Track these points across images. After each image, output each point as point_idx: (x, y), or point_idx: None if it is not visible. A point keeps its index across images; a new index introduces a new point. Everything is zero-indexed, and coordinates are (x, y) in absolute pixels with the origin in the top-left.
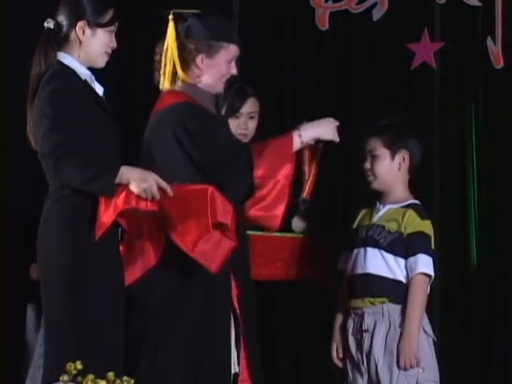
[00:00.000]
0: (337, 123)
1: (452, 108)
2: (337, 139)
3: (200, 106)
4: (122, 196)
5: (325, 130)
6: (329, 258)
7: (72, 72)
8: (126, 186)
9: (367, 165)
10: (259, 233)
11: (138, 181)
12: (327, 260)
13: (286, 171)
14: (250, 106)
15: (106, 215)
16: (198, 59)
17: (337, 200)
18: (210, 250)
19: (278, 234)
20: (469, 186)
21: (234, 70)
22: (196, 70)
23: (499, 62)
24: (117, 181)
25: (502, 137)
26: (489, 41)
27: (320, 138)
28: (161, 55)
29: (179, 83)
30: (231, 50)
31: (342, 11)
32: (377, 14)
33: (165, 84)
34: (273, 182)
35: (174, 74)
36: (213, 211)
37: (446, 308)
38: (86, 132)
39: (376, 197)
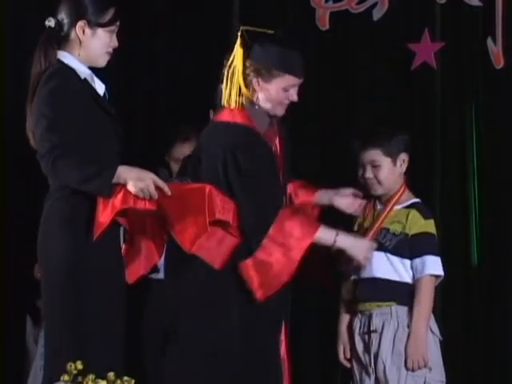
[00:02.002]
0: (373, 248)
1: (452, 108)
2: (363, 263)
3: (256, 132)
4: (120, 196)
5: (358, 250)
6: (329, 257)
7: (71, 71)
8: (123, 186)
9: (369, 174)
10: None
11: (135, 180)
12: (327, 260)
13: (302, 246)
14: None
15: (104, 215)
16: (255, 81)
17: None
18: (213, 247)
19: None
20: (469, 186)
21: (293, 97)
22: (254, 90)
23: (499, 62)
24: (114, 180)
25: (502, 137)
26: (489, 41)
27: (347, 252)
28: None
29: (243, 99)
30: (287, 80)
31: (342, 11)
32: (377, 14)
33: (226, 99)
34: (283, 250)
35: (237, 89)
36: (210, 209)
37: (447, 308)
38: (85, 132)
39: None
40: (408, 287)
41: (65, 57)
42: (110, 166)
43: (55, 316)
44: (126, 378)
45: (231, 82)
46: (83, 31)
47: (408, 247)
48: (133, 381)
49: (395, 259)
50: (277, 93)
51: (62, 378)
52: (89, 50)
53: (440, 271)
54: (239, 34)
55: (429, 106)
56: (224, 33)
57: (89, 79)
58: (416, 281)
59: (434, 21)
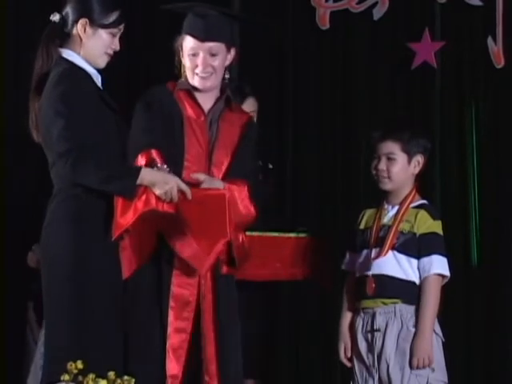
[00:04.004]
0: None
1: (453, 107)
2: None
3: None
4: (144, 198)
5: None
6: (328, 257)
7: (81, 71)
8: (146, 188)
9: (382, 166)
10: (257, 233)
11: (162, 183)
12: (327, 259)
13: None
14: (248, 106)
15: (125, 217)
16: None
17: (337, 200)
18: (200, 252)
19: (277, 234)
20: (469, 187)
21: (198, 65)
22: None
23: (500, 62)
24: (138, 182)
25: (502, 136)
26: (489, 40)
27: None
28: None
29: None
30: (187, 42)
31: (342, 10)
32: (377, 14)
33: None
34: None
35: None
36: (230, 217)
37: (447, 308)
38: (98, 131)
39: (378, 196)
40: (414, 286)
41: (71, 55)
42: (132, 167)
43: (57, 315)
44: (126, 377)
45: None
46: (84, 29)
47: (415, 247)
48: (133, 380)
49: (402, 257)
50: (187, 60)
51: (62, 377)
52: (88, 48)
53: (447, 271)
54: None
55: (429, 106)
56: None
57: (94, 78)
58: (423, 280)
59: (434, 20)
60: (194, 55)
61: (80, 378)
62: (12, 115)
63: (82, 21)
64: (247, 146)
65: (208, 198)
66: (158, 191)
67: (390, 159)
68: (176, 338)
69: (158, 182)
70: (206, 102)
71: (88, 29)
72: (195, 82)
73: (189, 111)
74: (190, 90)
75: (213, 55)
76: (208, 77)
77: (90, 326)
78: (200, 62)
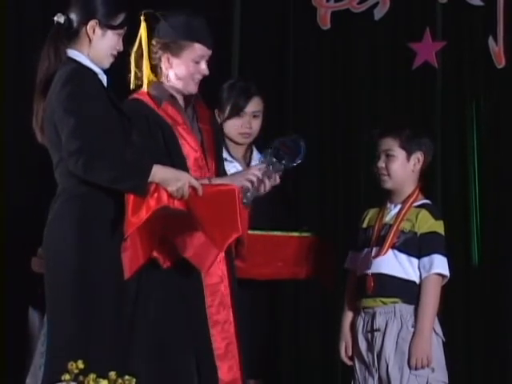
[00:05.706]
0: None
1: (453, 108)
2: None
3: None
4: (156, 195)
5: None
6: (330, 257)
7: (89, 70)
8: (157, 185)
9: (381, 164)
10: (259, 232)
11: (174, 180)
12: (329, 259)
13: None
14: (253, 105)
15: (137, 215)
16: (165, 58)
17: (339, 200)
18: (205, 251)
19: (279, 233)
20: (470, 187)
21: (204, 71)
22: (164, 69)
23: (501, 62)
24: (149, 180)
25: (503, 136)
26: (490, 40)
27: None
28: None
29: (147, 81)
30: (196, 50)
31: (343, 10)
32: (378, 14)
33: (135, 83)
34: None
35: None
36: (240, 211)
37: (447, 308)
38: (106, 130)
39: (379, 196)
40: (414, 286)
41: (77, 56)
42: (144, 165)
43: (59, 315)
44: (127, 377)
45: (138, 65)
46: (93, 30)
47: (416, 246)
48: (134, 380)
49: (403, 256)
50: (188, 66)
51: (63, 377)
52: (97, 49)
53: (447, 271)
54: (142, 18)
55: (429, 106)
56: (224, 33)
57: (100, 78)
58: (423, 279)
59: (435, 20)
60: (197, 63)
61: (81, 377)
62: (12, 115)
63: (91, 22)
64: (221, 144)
65: (218, 193)
66: (169, 188)
67: (388, 156)
68: (221, 342)
69: (170, 178)
70: (182, 105)
71: (97, 30)
72: (190, 87)
73: (172, 119)
74: (174, 97)
75: (207, 61)
76: (198, 82)
77: (91, 325)
78: (205, 68)
